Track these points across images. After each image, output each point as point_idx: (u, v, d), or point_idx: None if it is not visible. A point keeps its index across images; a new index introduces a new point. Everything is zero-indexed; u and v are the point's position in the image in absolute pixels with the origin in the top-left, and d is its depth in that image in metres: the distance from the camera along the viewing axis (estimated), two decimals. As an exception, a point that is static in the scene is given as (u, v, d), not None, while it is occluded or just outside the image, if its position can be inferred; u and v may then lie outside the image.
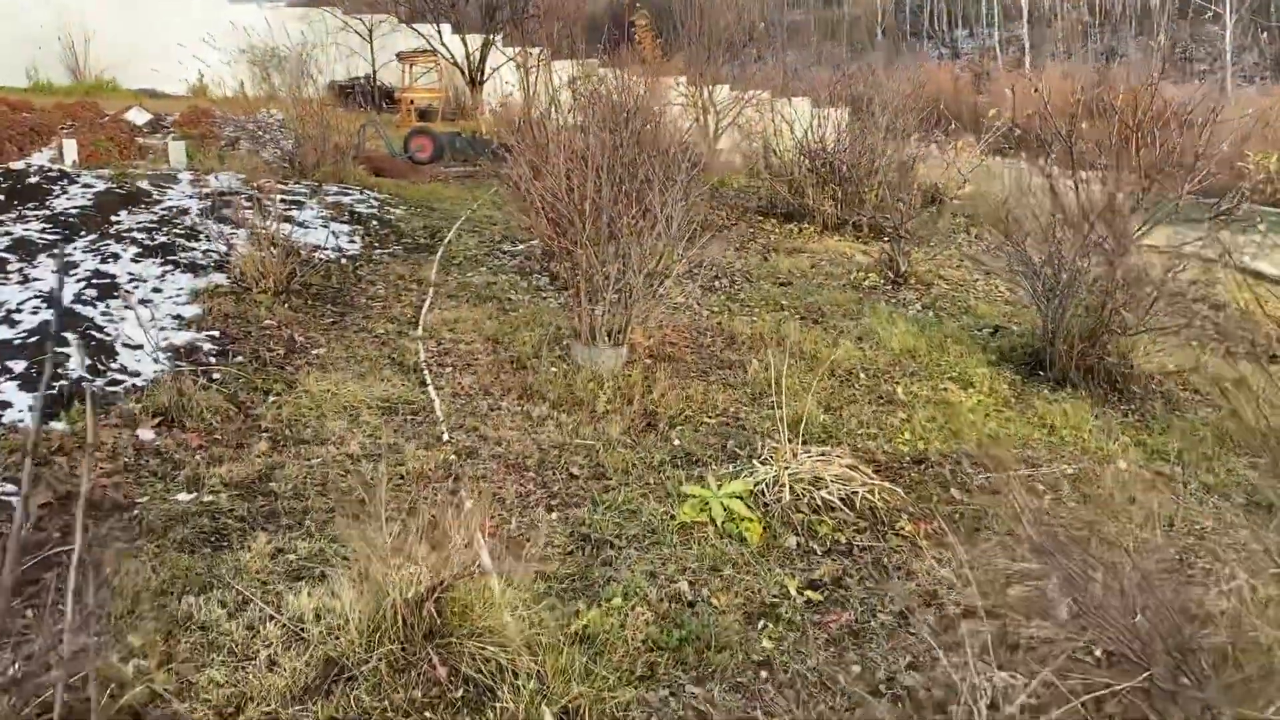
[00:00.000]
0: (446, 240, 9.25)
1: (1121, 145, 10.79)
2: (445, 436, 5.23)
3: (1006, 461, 5.38)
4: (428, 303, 7.36)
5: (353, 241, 8.74)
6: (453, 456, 4.98)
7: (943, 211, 13.01)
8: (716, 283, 8.67)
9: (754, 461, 4.99)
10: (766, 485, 4.73)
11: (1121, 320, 6.51)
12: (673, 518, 4.52)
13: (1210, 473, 5.56)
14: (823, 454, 4.97)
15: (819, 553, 4.39)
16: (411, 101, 19.12)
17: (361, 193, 10.71)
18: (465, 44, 19.55)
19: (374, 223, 9.53)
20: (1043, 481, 5.19)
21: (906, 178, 11.31)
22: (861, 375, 6.56)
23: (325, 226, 8.99)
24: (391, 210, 10.22)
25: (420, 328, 6.84)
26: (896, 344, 7.04)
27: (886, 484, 4.87)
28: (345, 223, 9.30)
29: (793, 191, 11.77)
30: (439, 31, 19.39)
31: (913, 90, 12.54)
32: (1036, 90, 11.16)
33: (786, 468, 4.79)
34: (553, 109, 11.38)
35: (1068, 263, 6.68)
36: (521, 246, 9.34)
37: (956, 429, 5.73)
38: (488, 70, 19.58)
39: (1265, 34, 41.07)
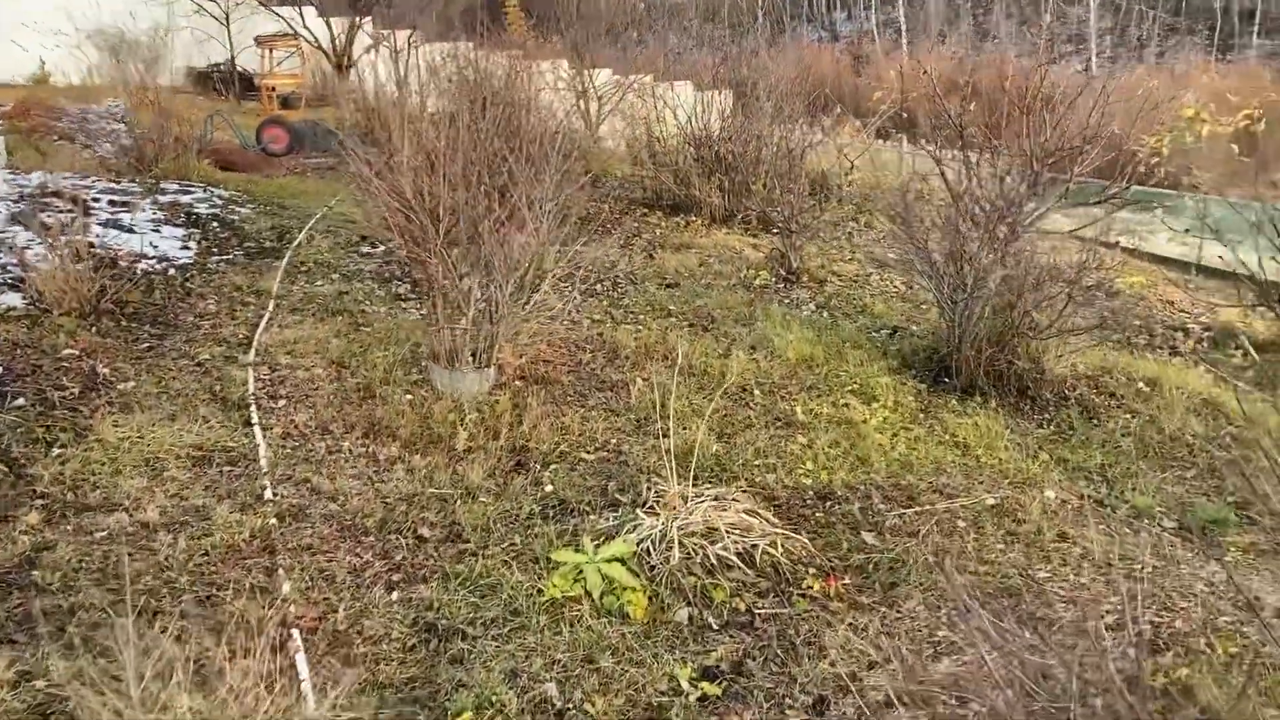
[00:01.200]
0: (296, 243, 8.24)
1: (1010, 128, 10.36)
2: (268, 493, 4.32)
3: (920, 495, 4.73)
4: (265, 319, 6.39)
5: (186, 248, 7.66)
6: (273, 521, 4.08)
7: (831, 200, 12.45)
8: (598, 286, 7.87)
9: (638, 511, 4.22)
10: (653, 542, 3.97)
11: (1032, 322, 5.94)
12: (540, 592, 3.72)
13: (1137, 491, 5.01)
14: (717, 498, 4.24)
15: (715, 627, 3.65)
16: (273, 89, 17.78)
17: (205, 190, 9.58)
18: (330, 27, 18.25)
19: (214, 225, 8.45)
20: (963, 515, 4.55)
21: (794, 166, 10.68)
22: (756, 392, 5.85)
23: (156, 231, 7.89)
24: (236, 210, 9.13)
25: (252, 351, 5.87)
26: (793, 353, 6.35)
27: (790, 533, 4.16)
28: (180, 225, 8.20)
29: (678, 182, 11.03)
30: (300, 14, 18.05)
31: (798, 74, 11.92)
32: (926, 73, 10.65)
33: (676, 518, 4.04)
34: (409, 95, 10.41)
35: (974, 260, 6.08)
36: (381, 248, 8.40)
37: (863, 454, 5.06)
38: (356, 54, 18.34)
39: (1125, 16, 42.00)
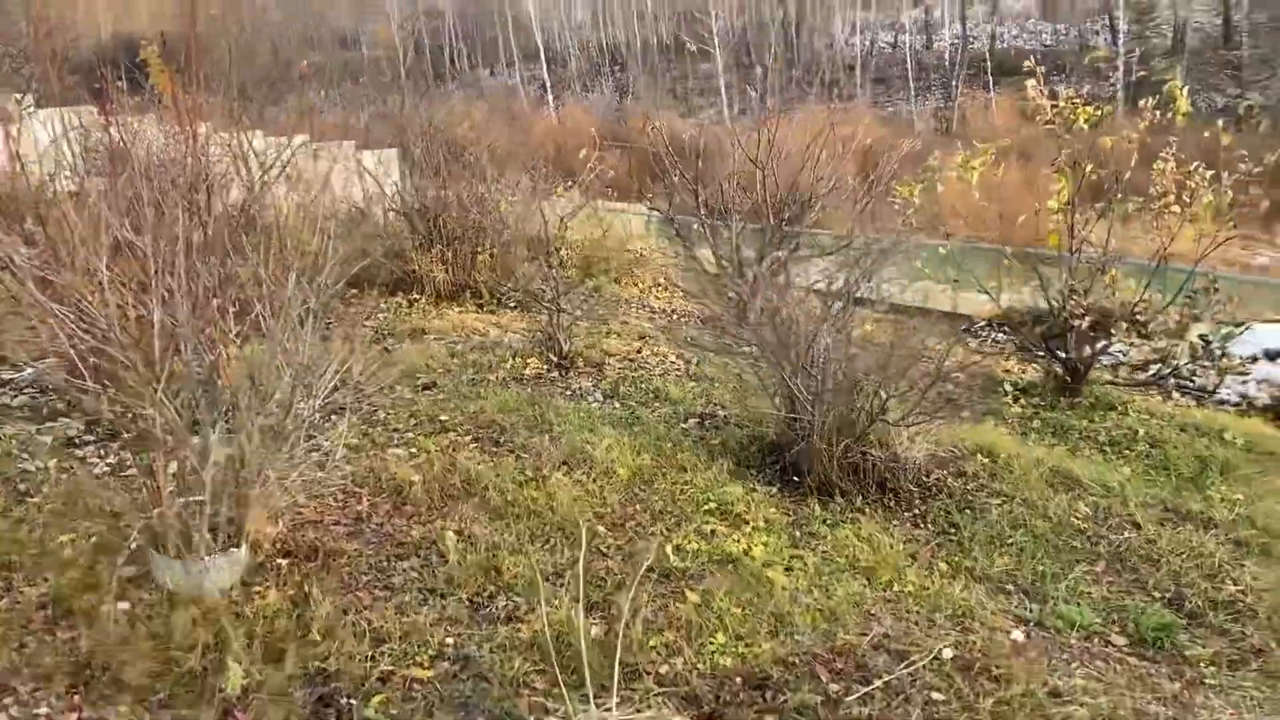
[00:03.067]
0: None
1: (747, 184, 9.80)
2: None
3: (867, 658, 3.65)
4: None
5: None
6: None
7: (551, 264, 11.37)
8: (336, 395, 6.21)
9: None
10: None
11: (880, 404, 5.09)
12: None
13: (1065, 602, 4.25)
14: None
15: None
16: None
17: None
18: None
19: None
20: (929, 683, 3.52)
21: (524, 233, 9.51)
22: (601, 529, 4.55)
23: None
24: None
25: None
26: (621, 467, 5.11)
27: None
28: None
29: (394, 257, 9.46)
30: None
31: (510, 133, 10.78)
32: (655, 128, 9.88)
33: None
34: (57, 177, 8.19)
35: (813, 339, 5.16)
36: (29, 371, 6.24)
37: (776, 608, 3.91)
38: (-50, 122, 14.95)
39: (748, 71, 44.80)
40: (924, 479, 5.30)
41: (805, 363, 5.13)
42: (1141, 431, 6.73)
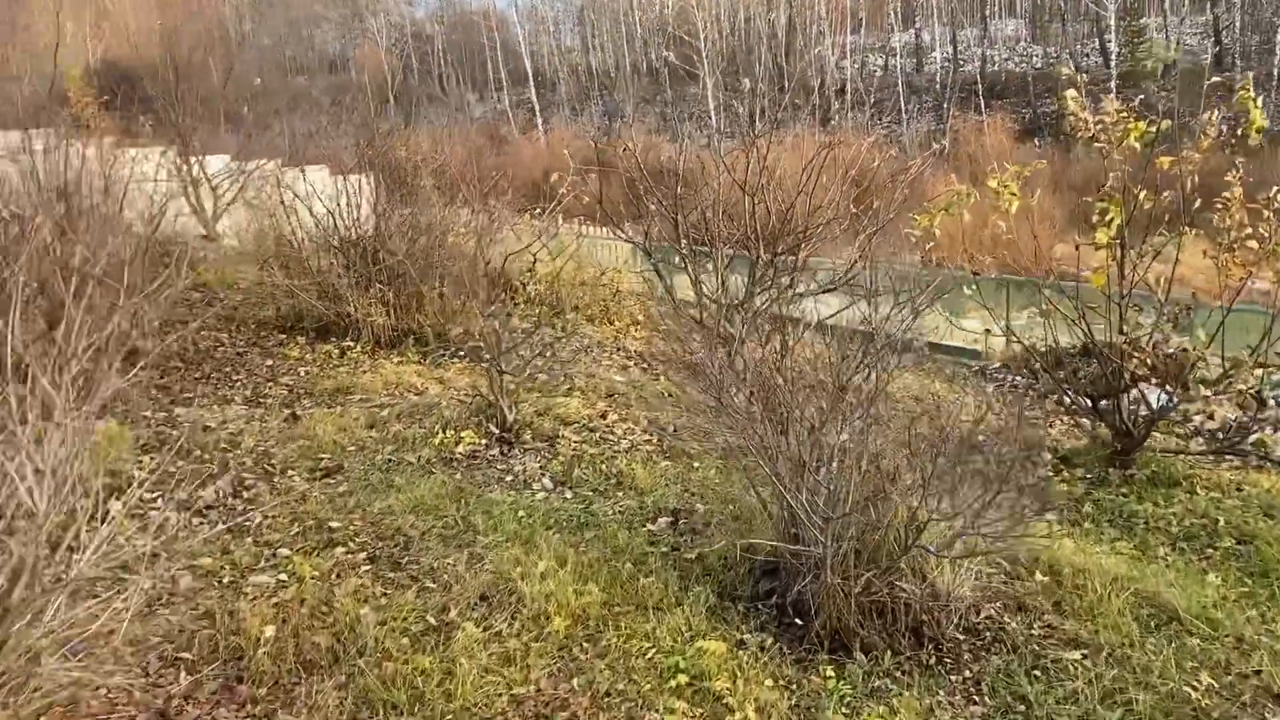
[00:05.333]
0: None
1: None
2: None
3: None
4: None
5: None
6: None
7: (518, 302, 9.89)
8: (207, 490, 4.73)
9: None
10: None
11: (918, 525, 3.61)
12: None
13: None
14: None
15: None
16: None
17: None
18: None
19: None
20: None
21: (479, 269, 8.03)
22: (517, 726, 3.06)
23: None
24: None
25: None
26: (560, 613, 3.61)
27: None
28: None
29: (324, 296, 7.97)
30: None
31: (467, 154, 9.34)
32: (627, 149, 8.43)
33: None
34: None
35: (824, 424, 3.68)
36: None
37: None
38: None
39: (739, 94, 43.50)
40: (972, 619, 3.82)
41: (812, 463, 3.65)
42: (1221, 520, 5.26)
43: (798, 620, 3.75)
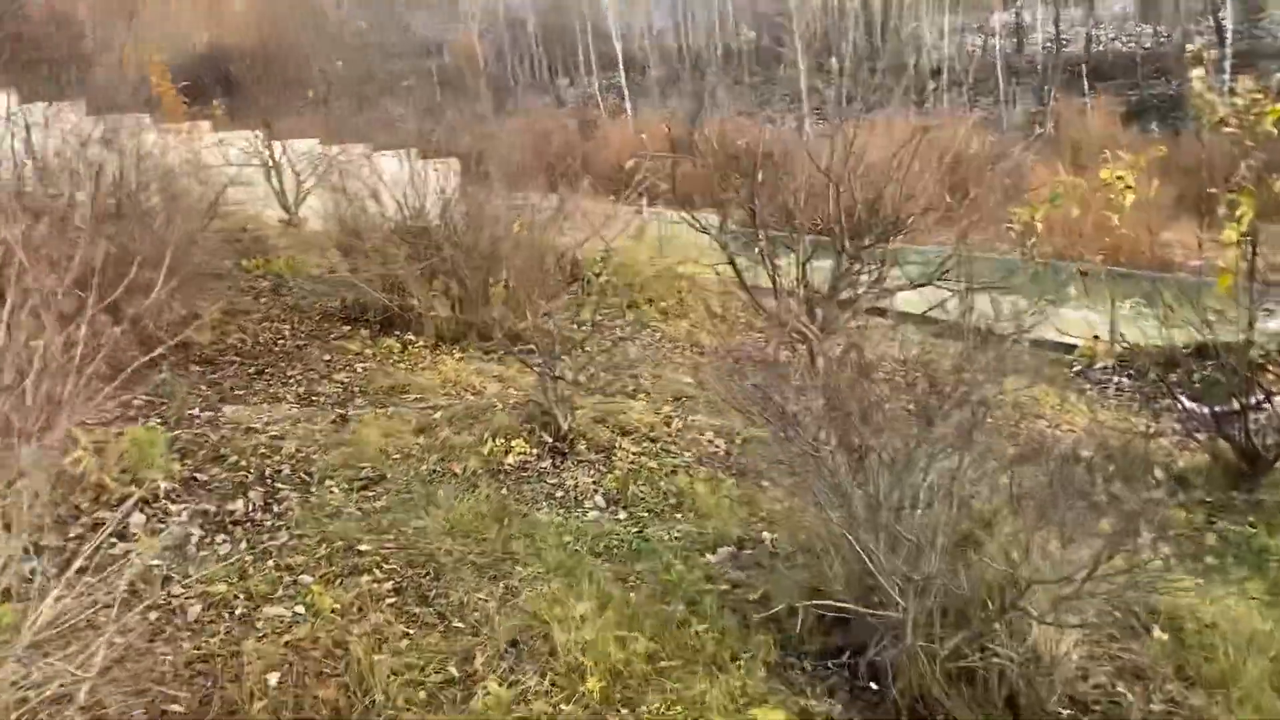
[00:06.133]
0: None
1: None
2: None
3: None
4: None
5: None
6: None
7: (590, 292, 9.45)
8: (240, 501, 4.38)
9: None
10: None
11: (1020, 587, 3.02)
12: None
13: None
14: None
15: None
16: None
17: None
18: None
19: None
20: None
21: (545, 261, 7.61)
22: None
23: None
24: None
25: None
26: (597, 670, 3.13)
27: None
28: None
29: (389, 289, 7.64)
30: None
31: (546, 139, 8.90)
32: (704, 135, 7.90)
33: None
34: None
35: (911, 461, 3.13)
36: None
37: None
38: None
39: (829, 75, 42.25)
40: (1078, 688, 3.22)
41: (891, 506, 3.10)
42: (1368, 561, 4.53)
43: (873, 685, 3.21)
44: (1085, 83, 37.91)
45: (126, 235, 6.63)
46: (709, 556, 4.09)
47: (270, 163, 13.83)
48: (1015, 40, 43.82)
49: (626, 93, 46.82)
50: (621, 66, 47.12)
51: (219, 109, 13.37)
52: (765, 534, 4.29)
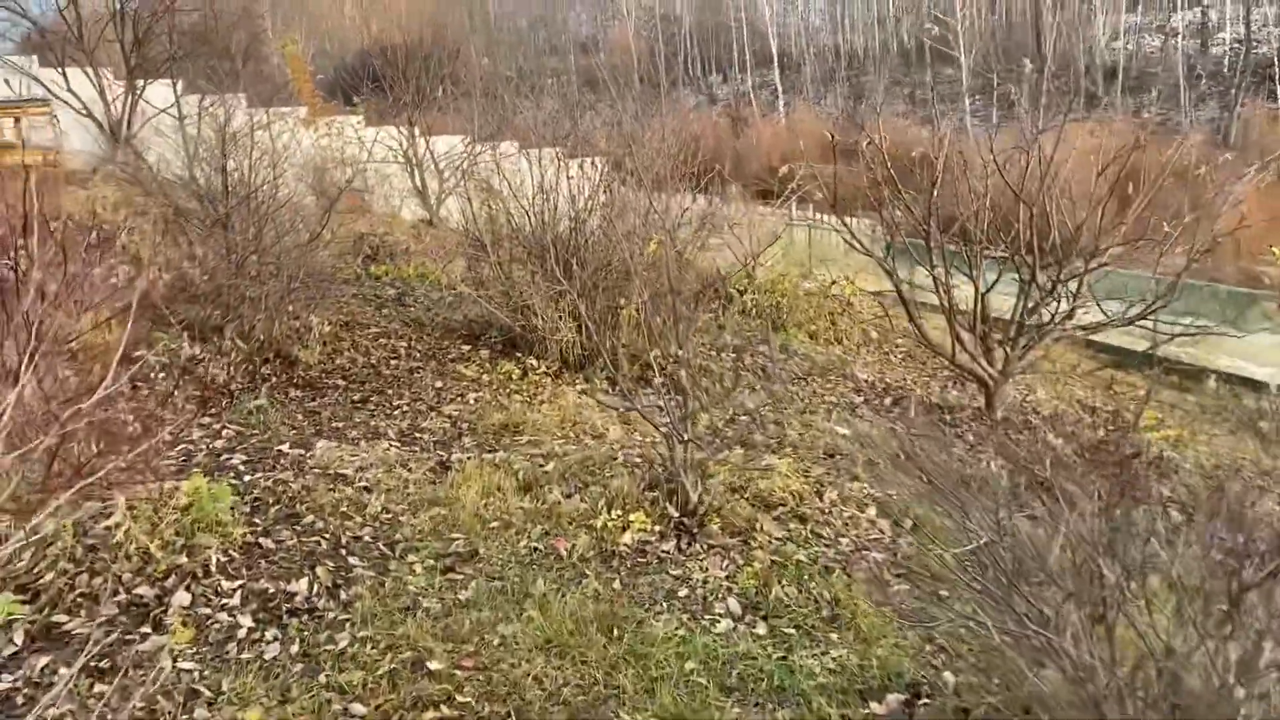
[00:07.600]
0: None
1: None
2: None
3: None
4: None
5: None
6: None
7: (731, 311, 8.46)
8: (300, 585, 3.61)
9: None
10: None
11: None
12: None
13: None
14: None
15: None
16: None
17: None
18: (104, 92, 13.57)
19: None
20: None
21: (684, 281, 6.65)
22: None
23: None
24: None
25: None
26: None
27: None
28: None
29: (513, 308, 6.84)
30: (64, 76, 13.36)
31: (696, 140, 7.96)
32: (871, 142, 6.82)
33: None
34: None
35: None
36: None
37: None
38: (138, 120, 13.71)
39: (995, 77, 39.77)
40: None
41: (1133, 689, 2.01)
42: None
43: None
44: (1278, 86, 34.36)
45: (246, 240, 6.06)
46: (873, 706, 3.06)
47: (413, 160, 13.38)
48: (1199, 41, 40.21)
49: (780, 90, 45.37)
50: (776, 63, 45.67)
51: (361, 105, 12.99)
52: (948, 674, 3.22)
